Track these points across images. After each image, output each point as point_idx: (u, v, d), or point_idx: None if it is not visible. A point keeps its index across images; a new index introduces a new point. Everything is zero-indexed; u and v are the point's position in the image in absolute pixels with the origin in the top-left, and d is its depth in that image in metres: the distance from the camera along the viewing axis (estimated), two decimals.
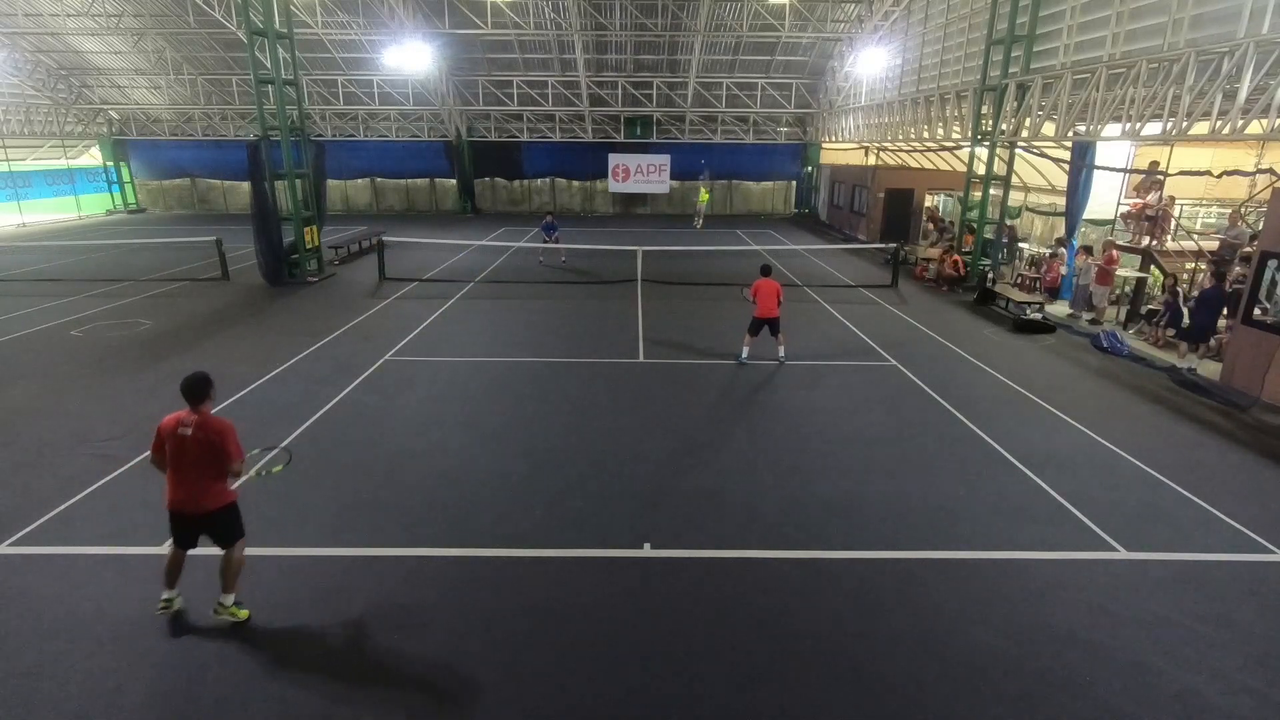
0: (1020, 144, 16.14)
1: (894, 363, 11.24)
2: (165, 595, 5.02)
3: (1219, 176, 11.68)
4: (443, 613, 5.18)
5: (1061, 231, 15.38)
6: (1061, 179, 15.71)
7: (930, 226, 22.03)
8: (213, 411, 4.85)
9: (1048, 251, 13.90)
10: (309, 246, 17.53)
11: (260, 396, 9.49)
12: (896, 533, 6.30)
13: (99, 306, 14.46)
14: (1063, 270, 13.35)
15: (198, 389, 4.73)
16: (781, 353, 11.09)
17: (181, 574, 5.03)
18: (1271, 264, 9.32)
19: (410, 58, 24.28)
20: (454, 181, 33.72)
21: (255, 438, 8.04)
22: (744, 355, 11.07)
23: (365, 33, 26.47)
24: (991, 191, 17.03)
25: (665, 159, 32.67)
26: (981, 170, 16.93)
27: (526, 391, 9.84)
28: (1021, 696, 4.42)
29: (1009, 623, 5.09)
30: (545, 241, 19.98)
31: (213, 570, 5.03)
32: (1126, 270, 13.95)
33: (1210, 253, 12.68)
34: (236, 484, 4.89)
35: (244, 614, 5.04)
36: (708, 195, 29.66)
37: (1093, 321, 13.62)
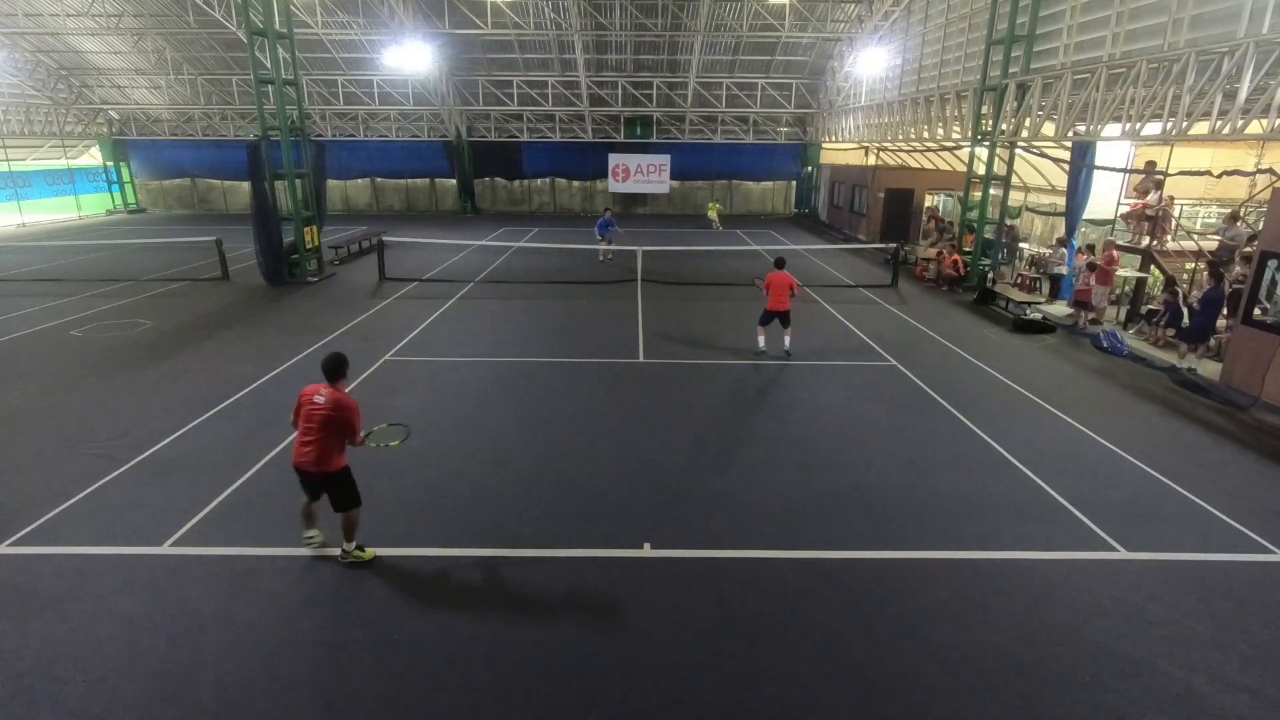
0: (1020, 144, 16.14)
1: (894, 363, 11.24)
2: (309, 533, 5.80)
3: (1219, 176, 11.67)
4: (441, 612, 5.18)
5: (1061, 231, 15.38)
6: (1061, 179, 15.71)
7: (931, 226, 22.03)
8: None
9: (1083, 263, 13.70)
10: (309, 246, 17.53)
11: (260, 396, 9.49)
12: (896, 532, 6.30)
13: (99, 306, 14.46)
14: (1092, 283, 13.22)
15: (337, 368, 5.54)
16: (787, 343, 11.37)
17: (317, 518, 5.79)
18: (1271, 264, 9.32)
19: (410, 58, 24.27)
20: (454, 181, 33.74)
21: (256, 438, 8.06)
22: (761, 344, 11.42)
23: (365, 33, 26.48)
24: (991, 191, 17.04)
25: (665, 159, 32.69)
26: (981, 170, 16.94)
27: (526, 391, 9.83)
28: (1021, 696, 4.42)
29: (1009, 622, 5.09)
30: (599, 239, 20.08)
31: (224, 568, 5.03)
32: (1126, 270, 13.95)
33: (1209, 253, 12.68)
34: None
35: (369, 554, 5.71)
36: (718, 205, 30.11)
37: (1093, 321, 13.62)
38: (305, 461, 5.44)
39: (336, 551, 5.75)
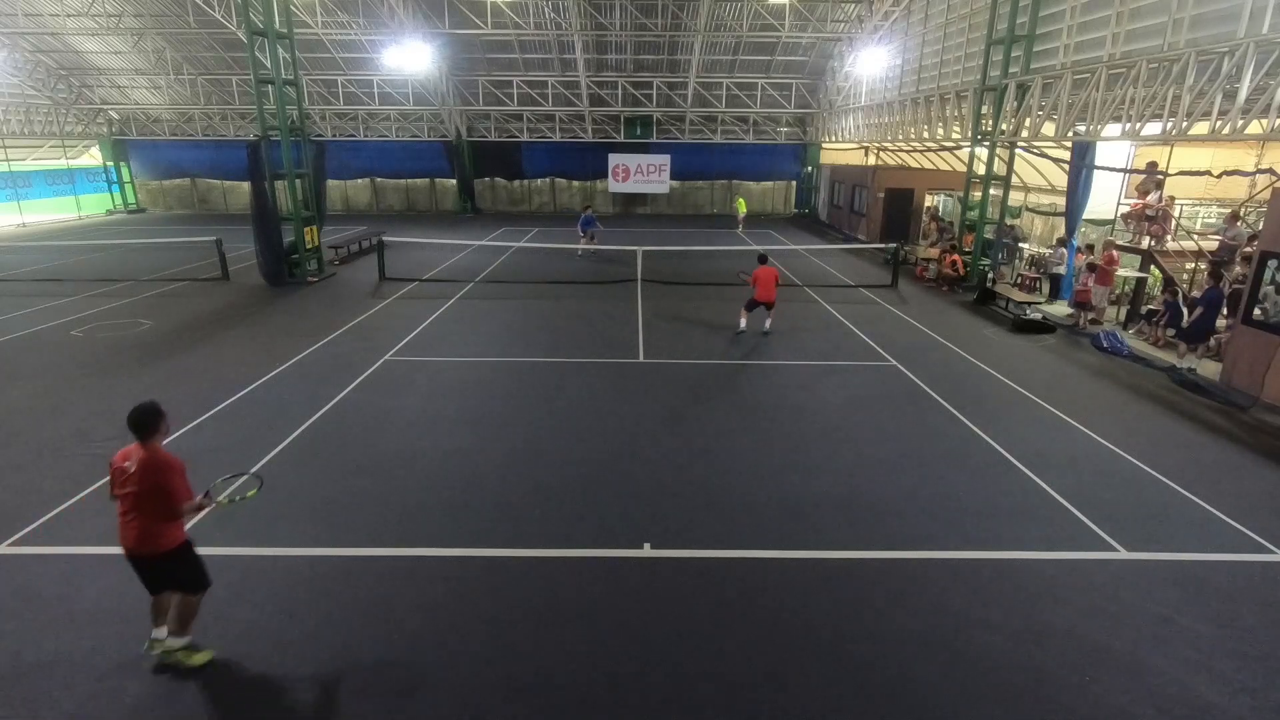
0: (1020, 144, 16.15)
1: (894, 362, 11.24)
2: (154, 634, 4.59)
3: (1219, 176, 11.68)
4: (442, 613, 5.18)
5: (1062, 231, 15.39)
6: (1061, 179, 15.71)
7: (932, 227, 22.04)
8: (169, 438, 4.48)
9: (1083, 263, 13.69)
10: (309, 246, 17.53)
11: (260, 396, 9.49)
12: (896, 532, 6.30)
13: (99, 306, 14.46)
14: (1092, 283, 13.24)
15: (145, 422, 4.26)
16: (768, 325, 12.70)
17: (166, 613, 4.60)
18: (1271, 264, 9.32)
19: (410, 58, 24.28)
20: (454, 181, 33.72)
21: (255, 438, 8.06)
22: (742, 326, 12.59)
23: (365, 33, 26.48)
24: (991, 191, 17.04)
25: (665, 159, 32.68)
26: (981, 170, 16.93)
27: (526, 391, 9.83)
28: (1021, 696, 4.42)
29: (1009, 622, 5.09)
30: (580, 236, 21.08)
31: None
32: (1127, 270, 13.95)
33: (1210, 253, 12.68)
34: (194, 520, 4.53)
35: (200, 658, 4.58)
36: (743, 202, 30.48)
37: (1093, 321, 13.63)
38: (130, 543, 4.32)
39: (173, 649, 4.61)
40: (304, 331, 12.68)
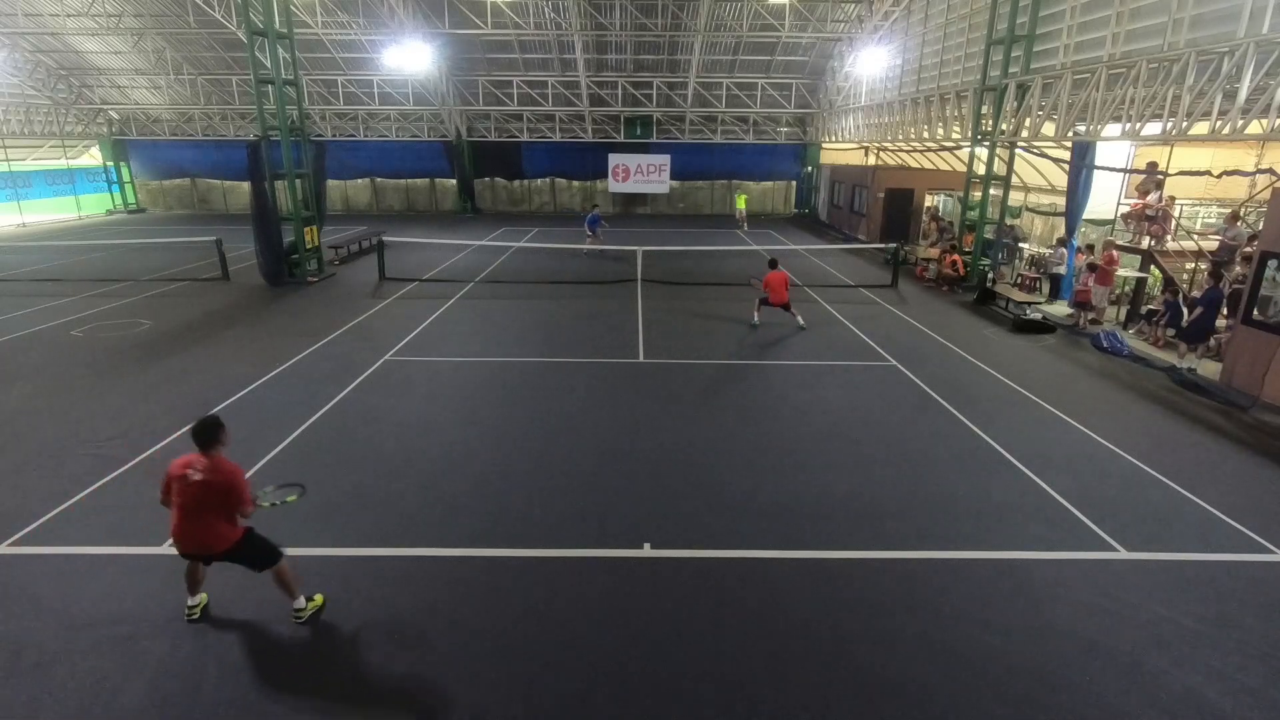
0: (1020, 144, 16.15)
1: (894, 362, 11.24)
2: (191, 602, 5.06)
3: (1219, 176, 11.68)
4: (442, 612, 5.18)
5: (1062, 231, 15.40)
6: (1061, 179, 15.71)
7: (932, 227, 22.03)
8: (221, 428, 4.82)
9: (1083, 263, 13.65)
10: (309, 246, 17.53)
11: (260, 397, 9.49)
12: (896, 532, 6.30)
13: (99, 306, 14.46)
14: (1092, 283, 13.26)
15: (209, 434, 4.66)
16: (801, 320, 13.03)
17: (201, 584, 5.10)
18: (1271, 264, 9.32)
19: (410, 58, 24.27)
20: (454, 181, 33.72)
21: (255, 438, 8.06)
22: (755, 320, 13.17)
23: (365, 33, 26.47)
24: (991, 191, 17.04)
25: (665, 159, 32.68)
26: (981, 170, 16.93)
27: (526, 391, 9.83)
28: (1021, 696, 4.42)
29: (1009, 622, 5.09)
30: (587, 235, 21.43)
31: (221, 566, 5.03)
32: (1127, 270, 13.95)
33: (1210, 253, 12.68)
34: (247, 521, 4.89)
35: (319, 600, 5.20)
36: (744, 199, 30.39)
37: (1093, 321, 13.62)
38: (189, 548, 4.77)
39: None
40: (304, 331, 12.68)
